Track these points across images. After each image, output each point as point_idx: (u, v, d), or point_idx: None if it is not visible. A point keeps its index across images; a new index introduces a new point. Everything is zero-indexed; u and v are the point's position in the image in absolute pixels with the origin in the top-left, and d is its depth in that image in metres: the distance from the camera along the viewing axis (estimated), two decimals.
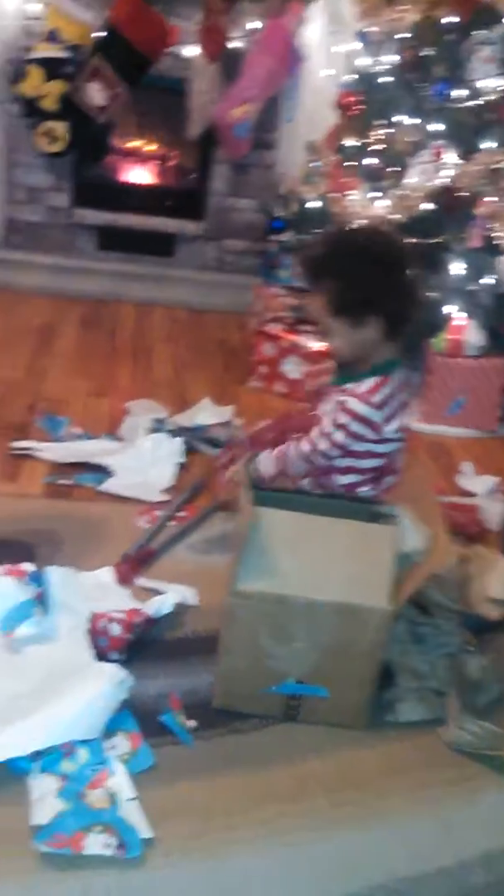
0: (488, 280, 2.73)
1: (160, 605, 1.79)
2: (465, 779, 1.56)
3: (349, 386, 1.83)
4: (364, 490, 1.89)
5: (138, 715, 1.56)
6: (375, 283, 1.75)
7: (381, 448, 1.86)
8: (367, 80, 2.96)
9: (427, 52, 2.67)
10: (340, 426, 1.83)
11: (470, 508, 2.36)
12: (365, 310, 1.77)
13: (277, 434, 2.06)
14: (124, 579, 1.94)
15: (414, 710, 1.66)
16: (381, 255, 1.77)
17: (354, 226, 2.61)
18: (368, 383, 1.82)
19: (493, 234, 2.61)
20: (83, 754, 1.46)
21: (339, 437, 1.84)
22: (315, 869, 1.36)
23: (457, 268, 2.77)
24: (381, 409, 1.81)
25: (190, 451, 2.55)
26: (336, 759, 1.56)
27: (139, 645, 1.72)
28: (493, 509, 2.38)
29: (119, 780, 1.43)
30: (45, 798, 1.39)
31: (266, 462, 1.94)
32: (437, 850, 1.42)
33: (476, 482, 2.56)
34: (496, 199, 2.55)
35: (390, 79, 2.83)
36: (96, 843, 1.32)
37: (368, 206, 2.82)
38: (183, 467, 2.47)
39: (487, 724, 1.59)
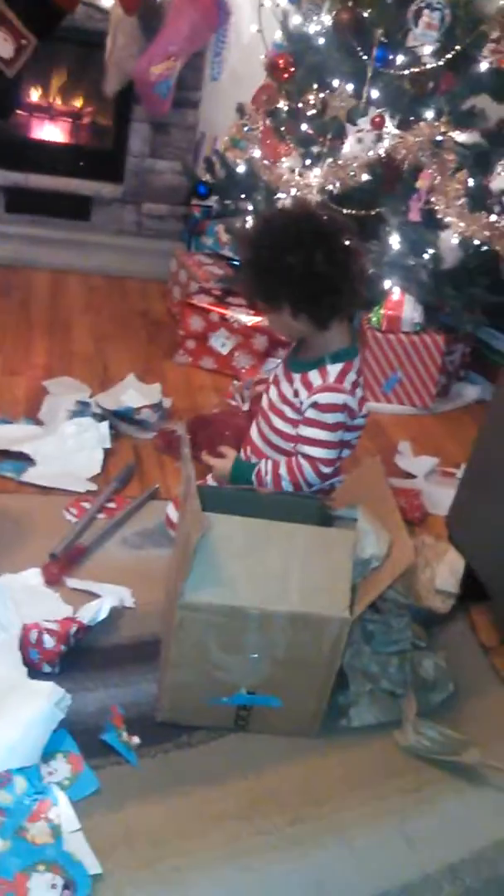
0: (426, 255, 2.66)
1: (95, 611, 1.67)
2: (424, 785, 1.52)
3: (312, 377, 1.73)
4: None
5: (77, 734, 1.46)
6: (280, 274, 1.63)
7: (348, 436, 1.79)
8: (300, 41, 2.82)
9: (366, 14, 2.55)
10: (330, 426, 1.72)
11: (412, 493, 2.30)
12: (273, 299, 1.68)
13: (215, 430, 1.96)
14: (53, 581, 1.82)
15: (368, 714, 1.61)
16: (294, 244, 1.62)
17: (286, 205, 2.48)
18: (334, 371, 1.72)
19: (433, 208, 2.53)
20: (20, 783, 1.36)
21: (334, 436, 1.73)
22: (277, 894, 1.29)
23: (395, 241, 2.68)
24: (353, 394, 1.73)
25: (116, 435, 2.41)
26: (291, 771, 1.50)
27: (73, 654, 1.61)
28: (434, 492, 2.33)
29: (61, 811, 1.33)
30: None
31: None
32: (400, 865, 1.37)
33: (415, 463, 2.51)
34: (437, 172, 2.46)
35: (325, 40, 2.70)
36: (41, 885, 1.22)
37: (302, 174, 2.70)
38: (110, 453, 2.33)
39: (447, 729, 1.54)
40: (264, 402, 1.85)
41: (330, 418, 1.72)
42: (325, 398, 1.71)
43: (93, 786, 1.39)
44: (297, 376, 1.76)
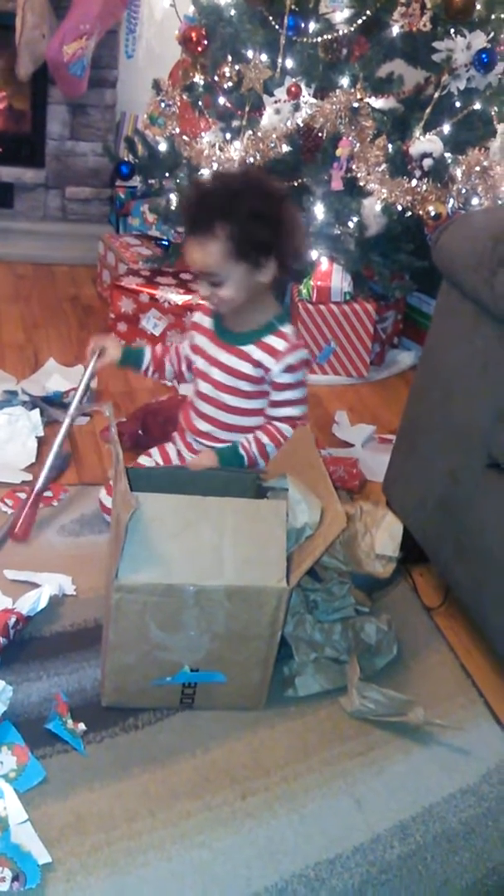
0: (351, 223, 2.65)
1: (34, 600, 1.65)
2: (372, 748, 1.53)
3: (273, 342, 1.75)
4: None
5: (22, 725, 1.44)
6: (274, 221, 1.65)
7: None
8: (211, 13, 2.77)
9: None
10: (303, 382, 1.81)
11: (350, 461, 2.31)
12: (264, 250, 1.66)
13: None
14: None
15: (313, 683, 1.62)
16: (267, 192, 1.68)
17: (220, 170, 2.48)
18: (290, 331, 1.77)
19: (355, 176, 2.52)
20: None
21: (305, 391, 1.83)
22: (229, 866, 1.30)
23: (319, 211, 2.67)
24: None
25: (48, 422, 2.37)
26: (240, 745, 1.50)
27: (14, 646, 1.59)
28: (372, 459, 2.34)
29: (7, 803, 1.31)
30: None
31: None
32: (350, 828, 1.38)
33: (352, 432, 2.51)
34: (356, 139, 2.45)
35: (237, 11, 2.65)
36: None
37: (222, 148, 2.66)
38: (43, 441, 2.29)
39: (391, 691, 1.55)
40: (204, 389, 1.83)
41: (301, 375, 1.79)
42: (295, 357, 1.75)
43: (39, 776, 1.37)
44: (249, 348, 1.76)
